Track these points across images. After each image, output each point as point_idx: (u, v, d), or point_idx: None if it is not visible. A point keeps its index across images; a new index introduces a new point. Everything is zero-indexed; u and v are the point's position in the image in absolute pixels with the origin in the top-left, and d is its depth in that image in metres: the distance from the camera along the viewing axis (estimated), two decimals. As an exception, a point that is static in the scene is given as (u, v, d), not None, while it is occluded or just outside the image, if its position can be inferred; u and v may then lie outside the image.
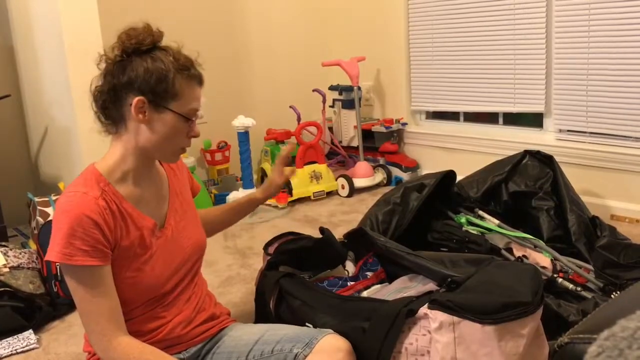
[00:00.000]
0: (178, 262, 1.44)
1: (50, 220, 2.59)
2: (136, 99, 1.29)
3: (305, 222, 3.16)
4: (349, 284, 1.72)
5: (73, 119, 2.72)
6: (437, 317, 1.30)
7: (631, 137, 2.94)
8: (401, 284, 1.65)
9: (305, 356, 1.31)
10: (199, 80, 1.37)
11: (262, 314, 1.68)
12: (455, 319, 1.28)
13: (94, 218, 1.26)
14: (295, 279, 1.65)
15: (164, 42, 1.38)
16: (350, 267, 1.80)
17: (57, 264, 1.32)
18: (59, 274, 2.40)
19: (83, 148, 2.71)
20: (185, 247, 1.46)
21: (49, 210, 2.64)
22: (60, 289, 2.40)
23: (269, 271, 1.73)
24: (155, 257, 1.38)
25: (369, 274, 1.78)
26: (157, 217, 1.42)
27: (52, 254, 1.26)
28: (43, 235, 2.49)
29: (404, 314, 1.34)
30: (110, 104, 1.35)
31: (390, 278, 1.76)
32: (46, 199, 2.73)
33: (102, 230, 1.27)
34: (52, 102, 2.96)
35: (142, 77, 1.30)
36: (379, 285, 1.73)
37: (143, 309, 1.38)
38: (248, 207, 1.84)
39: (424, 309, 1.33)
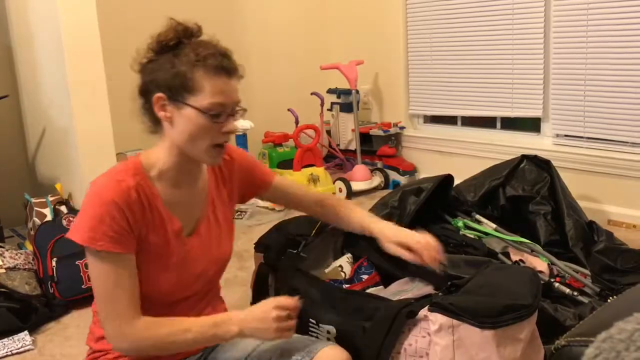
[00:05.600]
0: (197, 272, 1.39)
1: (47, 221, 2.58)
2: (156, 95, 1.28)
3: (302, 225, 3.15)
4: (344, 287, 1.72)
5: (71, 120, 2.72)
6: (437, 319, 1.30)
7: (628, 143, 2.95)
8: (398, 287, 1.65)
9: None
10: (224, 71, 1.28)
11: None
12: (455, 322, 1.28)
13: (122, 206, 1.23)
14: (302, 274, 1.64)
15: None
16: (347, 269, 1.80)
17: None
18: (55, 275, 2.40)
19: (81, 149, 2.71)
20: (209, 258, 1.41)
21: (46, 211, 2.63)
22: (57, 291, 2.39)
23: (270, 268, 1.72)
24: (176, 261, 1.34)
25: (364, 277, 1.78)
26: (187, 222, 1.37)
27: (77, 235, 1.23)
28: (40, 236, 2.48)
29: (404, 315, 1.34)
30: (145, 104, 1.33)
31: (385, 281, 1.76)
32: (43, 200, 2.72)
33: (128, 221, 1.24)
34: (51, 103, 2.96)
35: (161, 74, 1.28)
36: (374, 289, 1.73)
37: (149, 312, 1.33)
38: (358, 229, 1.66)
39: (424, 311, 1.33)
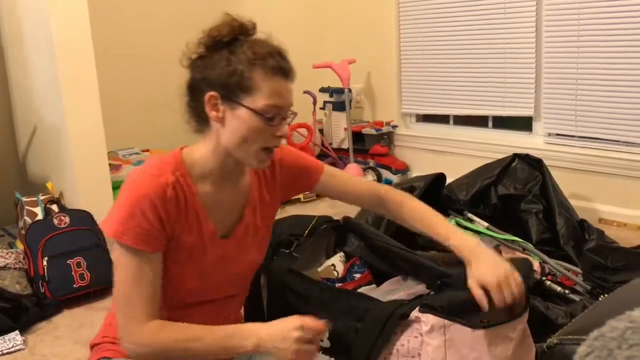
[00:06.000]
0: (230, 275, 1.35)
1: (38, 220, 2.57)
2: (208, 94, 1.22)
3: (295, 224, 3.14)
4: (337, 285, 1.72)
5: (62, 119, 2.70)
6: (429, 320, 1.30)
7: (620, 142, 2.97)
8: (390, 286, 1.65)
9: None
10: (282, 72, 1.23)
11: (252, 314, 1.67)
12: (446, 322, 1.28)
13: (157, 203, 1.19)
14: (294, 274, 1.63)
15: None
16: (339, 268, 1.80)
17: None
18: (45, 275, 2.39)
19: (72, 148, 2.70)
20: (244, 262, 1.36)
21: (37, 210, 2.62)
22: (47, 290, 2.38)
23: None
24: (209, 263, 1.30)
25: (357, 275, 1.78)
26: (223, 225, 1.32)
27: (106, 226, 1.21)
28: (30, 235, 2.47)
29: (396, 317, 1.34)
30: (192, 102, 1.28)
31: (377, 279, 1.76)
32: (34, 198, 2.71)
33: (160, 219, 1.20)
34: (42, 102, 2.94)
35: (215, 72, 1.21)
36: (366, 287, 1.73)
37: (162, 311, 1.29)
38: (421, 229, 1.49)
39: (415, 312, 1.33)
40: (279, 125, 1.25)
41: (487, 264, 1.30)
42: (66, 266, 2.42)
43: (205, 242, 1.28)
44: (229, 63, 1.20)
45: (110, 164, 2.86)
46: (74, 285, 2.42)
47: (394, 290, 1.61)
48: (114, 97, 3.25)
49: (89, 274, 2.45)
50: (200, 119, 1.27)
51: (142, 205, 1.18)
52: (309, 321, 1.18)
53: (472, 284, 1.28)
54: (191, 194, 1.25)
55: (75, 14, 2.64)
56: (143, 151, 3.28)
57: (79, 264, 2.44)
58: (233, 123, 1.22)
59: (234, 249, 1.33)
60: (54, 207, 2.65)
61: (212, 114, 1.23)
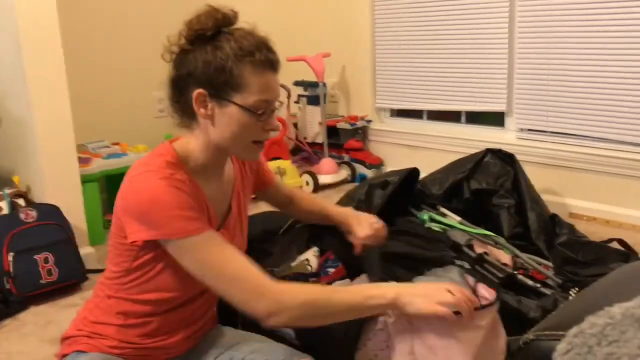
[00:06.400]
0: None
1: (4, 215, 2.49)
2: (196, 92, 1.19)
3: (268, 219, 3.12)
4: (310, 280, 1.71)
5: (29, 110, 2.62)
6: (395, 311, 1.29)
7: (590, 137, 3.01)
8: (364, 280, 1.65)
9: None
10: (270, 65, 1.21)
11: (223, 309, 1.65)
12: None
13: (189, 194, 1.17)
14: (265, 268, 1.62)
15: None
16: (313, 263, 1.79)
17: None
18: (11, 270, 2.33)
19: (39, 141, 2.62)
20: None
21: (2, 204, 2.55)
22: (13, 286, 2.32)
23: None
24: None
25: (330, 270, 1.77)
26: (218, 217, 1.33)
27: (163, 233, 1.14)
28: (-5, 230, 2.40)
29: None
30: (177, 98, 1.25)
31: (352, 274, 1.75)
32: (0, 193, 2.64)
33: (195, 206, 1.18)
34: (7, 94, 2.86)
35: (201, 68, 1.18)
36: (340, 282, 1.72)
37: (153, 316, 1.29)
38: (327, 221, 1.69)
39: None
40: (269, 119, 1.24)
41: (364, 222, 1.60)
42: (33, 262, 2.36)
43: None
44: (215, 59, 1.18)
45: (79, 157, 2.80)
46: (41, 281, 2.36)
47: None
48: (83, 88, 3.18)
49: (56, 269, 2.39)
50: (186, 114, 1.25)
51: (180, 199, 1.15)
52: (455, 285, 1.19)
53: (354, 239, 1.59)
54: (197, 188, 1.24)
55: (42, 3, 2.57)
56: (113, 144, 3.22)
57: (46, 260, 2.38)
58: (223, 120, 1.21)
59: (228, 239, 1.32)
60: (21, 201, 2.59)
61: (200, 111, 1.21)
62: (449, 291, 1.16)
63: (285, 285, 1.16)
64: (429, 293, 1.16)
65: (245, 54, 1.18)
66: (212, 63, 1.18)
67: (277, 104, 1.25)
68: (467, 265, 1.85)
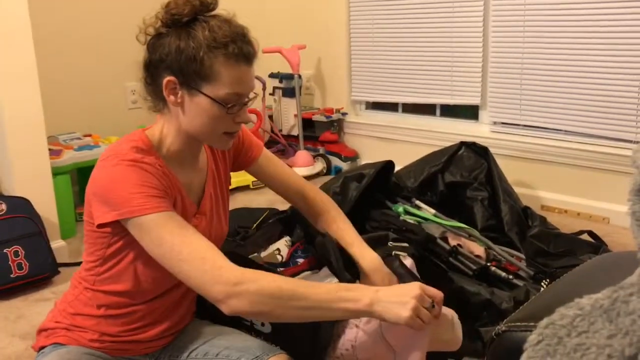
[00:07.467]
0: None
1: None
2: (166, 79, 1.17)
3: (243, 211, 3.11)
4: (279, 270, 1.71)
5: (-3, 101, 2.57)
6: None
7: (561, 131, 3.05)
8: (328, 271, 1.65)
9: None
10: (243, 58, 1.17)
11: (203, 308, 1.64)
12: None
13: (154, 175, 1.15)
14: (235, 256, 1.61)
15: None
16: (284, 252, 1.79)
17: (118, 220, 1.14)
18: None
19: (9, 133, 2.57)
20: (213, 237, 1.30)
21: (-30, 197, 2.49)
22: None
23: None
24: None
25: (300, 260, 1.77)
26: (195, 201, 1.31)
27: (117, 213, 1.12)
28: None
29: None
30: (149, 81, 1.22)
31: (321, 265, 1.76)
32: (-33, 185, 2.58)
33: (163, 185, 1.16)
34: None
35: (173, 55, 1.15)
36: (308, 272, 1.72)
37: (127, 309, 1.27)
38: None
39: None
40: (239, 112, 1.22)
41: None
42: (2, 255, 2.31)
43: (188, 219, 1.24)
44: (188, 48, 1.15)
45: (50, 149, 2.75)
46: (11, 275, 2.32)
47: (331, 275, 1.60)
48: (54, 79, 3.12)
49: (27, 263, 2.35)
50: (158, 98, 1.23)
51: (142, 178, 1.13)
52: (429, 288, 1.11)
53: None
54: (170, 174, 1.23)
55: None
56: (85, 136, 3.17)
57: (16, 253, 2.34)
58: (192, 109, 1.19)
59: (205, 225, 1.32)
60: (-11, 194, 2.54)
61: (170, 98, 1.19)
62: (420, 288, 1.10)
63: (246, 270, 1.11)
64: (405, 293, 1.09)
65: (218, 46, 1.15)
66: (184, 51, 1.15)
67: (251, 95, 1.23)
68: (404, 245, 1.80)
